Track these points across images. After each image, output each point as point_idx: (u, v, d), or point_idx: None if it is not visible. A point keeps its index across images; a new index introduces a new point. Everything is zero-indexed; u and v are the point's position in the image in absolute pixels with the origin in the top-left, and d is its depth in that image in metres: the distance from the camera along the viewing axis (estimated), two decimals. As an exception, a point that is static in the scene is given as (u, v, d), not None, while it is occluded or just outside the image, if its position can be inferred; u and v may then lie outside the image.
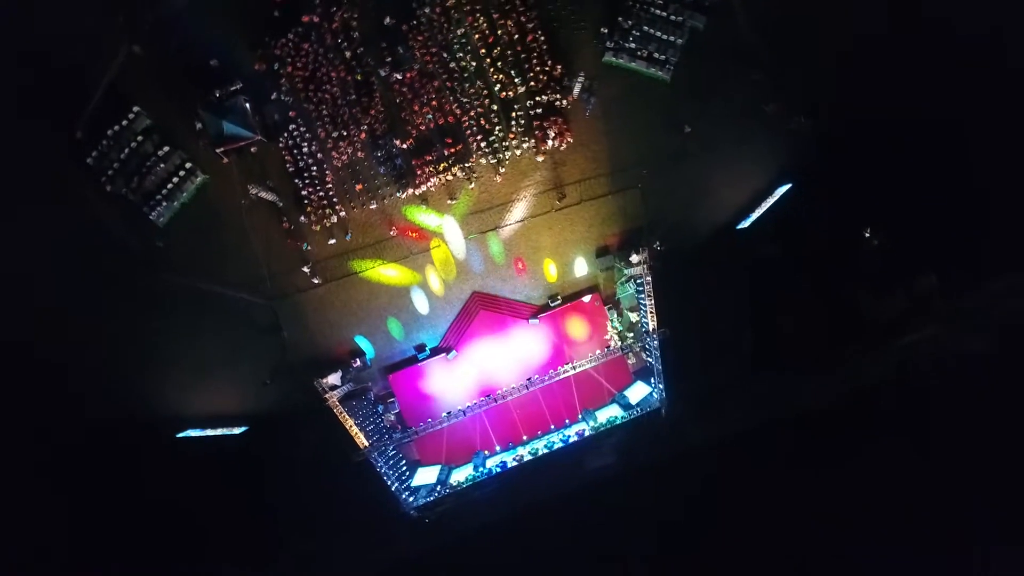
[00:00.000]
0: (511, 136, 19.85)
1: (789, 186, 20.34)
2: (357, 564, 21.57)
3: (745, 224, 21.11)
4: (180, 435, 19.88)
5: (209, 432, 20.59)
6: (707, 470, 21.03)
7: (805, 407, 22.19)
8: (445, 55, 19.34)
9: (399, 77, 19.39)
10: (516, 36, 19.26)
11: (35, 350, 19.59)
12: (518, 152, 20.04)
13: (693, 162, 20.43)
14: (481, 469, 20.95)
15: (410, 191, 20.00)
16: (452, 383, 21.27)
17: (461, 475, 21.31)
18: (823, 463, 22.30)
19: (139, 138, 19.11)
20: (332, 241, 20.06)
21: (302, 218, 19.83)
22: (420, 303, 20.96)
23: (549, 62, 19.37)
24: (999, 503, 20.79)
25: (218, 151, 19.05)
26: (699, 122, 20.18)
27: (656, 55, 19.65)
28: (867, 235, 21.63)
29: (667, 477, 21.07)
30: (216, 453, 20.43)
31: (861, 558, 21.22)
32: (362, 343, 21.03)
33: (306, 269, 19.99)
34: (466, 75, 19.52)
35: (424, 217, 20.46)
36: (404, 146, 19.73)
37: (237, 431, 21.14)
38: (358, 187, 19.75)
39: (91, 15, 18.48)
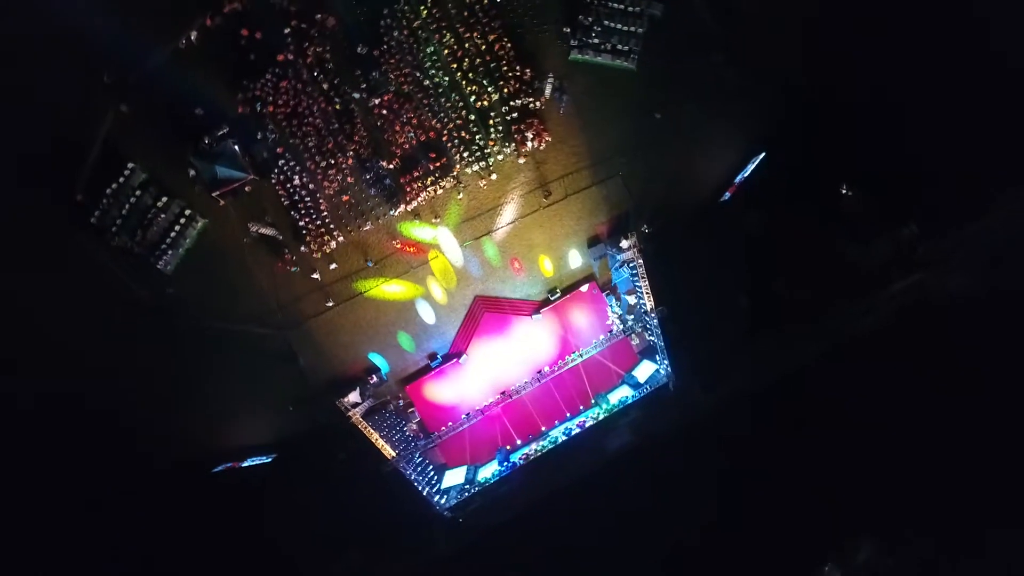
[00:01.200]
0: (491, 143, 20.61)
1: (763, 155, 21.13)
2: (400, 568, 22.48)
3: (726, 196, 21.93)
4: (216, 469, 20.71)
5: (243, 464, 21.46)
6: (719, 434, 21.95)
7: (804, 362, 23.04)
8: (418, 74, 20.10)
9: (377, 101, 20.14)
10: (483, 47, 20.00)
11: (64, 405, 20.39)
12: (500, 157, 20.82)
13: (668, 144, 21.19)
14: (505, 464, 21.86)
15: (402, 208, 20.79)
16: (467, 386, 22.13)
17: (487, 472, 22.21)
18: (827, 416, 23.19)
19: (137, 192, 19.88)
20: (333, 266, 20.88)
21: (303, 248, 20.61)
22: (426, 314, 21.78)
23: (518, 67, 20.12)
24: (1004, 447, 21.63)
25: (214, 195, 19.81)
26: (669, 106, 20.94)
27: (619, 47, 20.41)
28: (844, 191, 22.42)
29: (683, 446, 21.96)
30: (253, 481, 21.26)
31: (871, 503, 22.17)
32: (376, 359, 21.87)
33: (316, 275, 20.68)
34: (441, 90, 20.27)
35: (419, 231, 21.26)
36: (390, 166, 20.50)
37: (267, 459, 22.01)
38: (344, 198, 20.38)
39: (77, 81, 19.19)
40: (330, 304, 21.07)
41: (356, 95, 20.05)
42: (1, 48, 18.49)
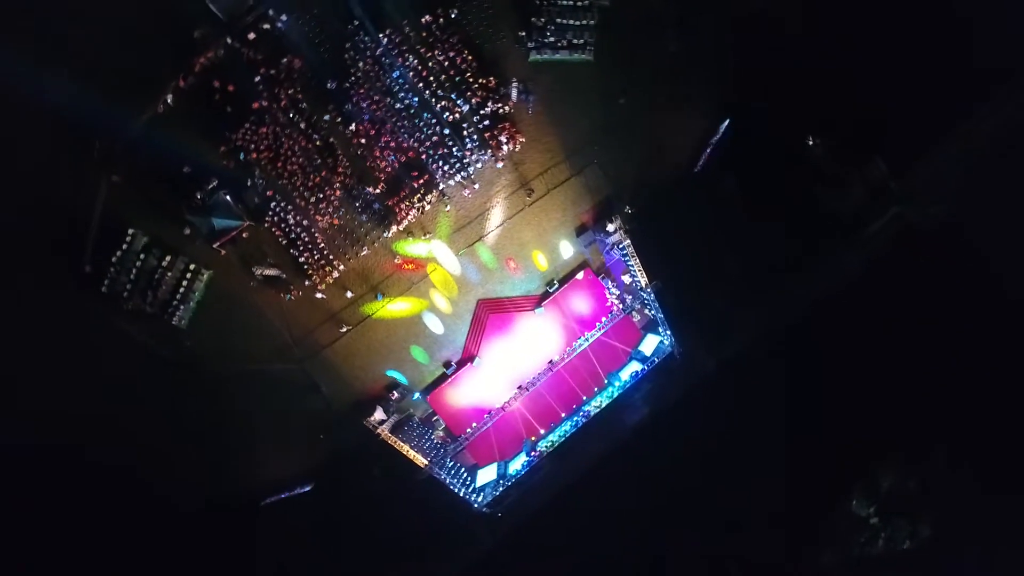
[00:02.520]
0: (468, 153, 21.43)
1: (727, 121, 22.00)
2: (450, 569, 23.52)
3: (699, 166, 22.82)
4: (265, 502, 21.67)
5: (284, 495, 22.44)
6: (729, 390, 23.00)
7: (800, 312, 24.00)
8: (388, 99, 20.88)
9: (354, 131, 20.96)
10: (446, 63, 20.79)
11: (103, 465, 21.23)
12: (479, 165, 21.64)
13: (637, 126, 22.07)
14: (533, 454, 22.86)
15: (394, 229, 21.64)
16: (484, 386, 23.10)
17: (516, 465, 23.22)
18: (833, 356, 24.18)
19: (142, 256, 20.67)
20: (350, 294, 21.85)
21: (307, 282, 21.48)
22: (434, 325, 22.69)
23: (482, 77, 20.90)
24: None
25: (215, 246, 20.62)
26: (632, 89, 21.82)
27: (575, 41, 21.18)
28: (810, 142, 23.28)
29: (698, 407, 23.02)
30: (298, 510, 22.24)
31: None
32: (394, 375, 22.80)
33: (320, 295, 21.65)
34: (412, 111, 21.08)
35: (414, 248, 22.13)
36: (377, 191, 21.33)
37: (308, 488, 22.98)
38: (335, 222, 21.21)
39: (67, 161, 19.98)
40: (344, 329, 21.93)
41: (333, 129, 20.82)
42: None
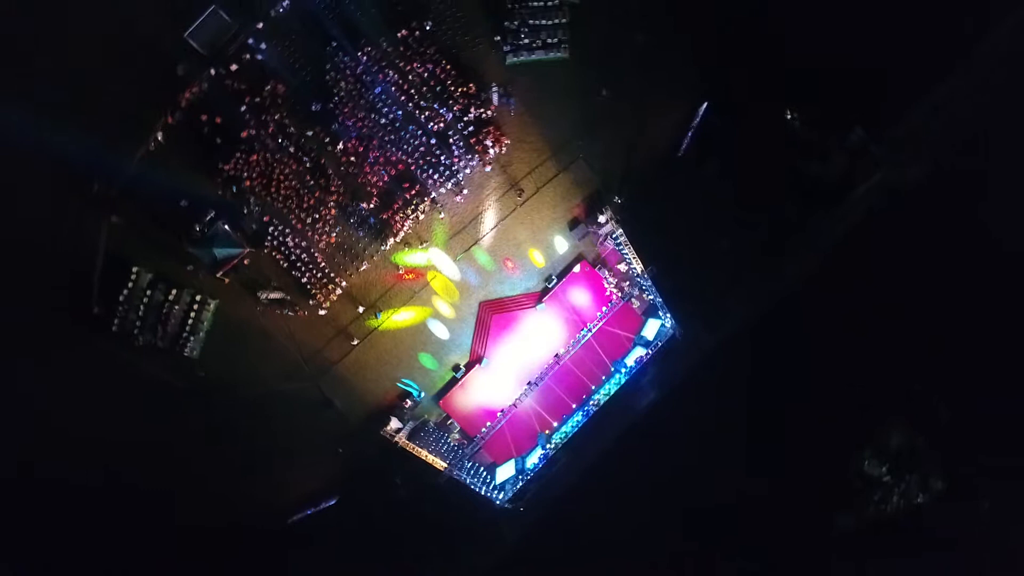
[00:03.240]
0: (456, 160, 21.89)
1: (705, 104, 22.48)
2: (477, 566, 24.06)
3: (683, 149, 23.29)
4: (292, 519, 22.15)
5: (310, 512, 22.93)
6: (731, 365, 23.55)
7: (794, 282, 24.52)
8: (373, 115, 21.32)
9: (342, 149, 21.39)
10: (425, 75, 21.24)
11: (132, 497, 21.67)
12: (468, 171, 22.09)
13: (618, 117, 22.54)
14: (548, 447, 23.36)
15: (391, 241, 22.11)
16: (494, 386, 23.58)
17: (533, 459, 23.71)
18: (832, 322, 24.67)
19: (148, 292, 21.09)
20: (361, 309, 22.34)
21: (311, 301, 21.92)
22: (439, 331, 23.16)
23: (462, 85, 21.37)
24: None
25: (218, 276, 21.06)
26: (609, 81, 22.28)
27: (549, 40, 21.66)
28: (789, 116, 23.76)
29: (703, 385, 23.58)
30: (324, 525, 22.73)
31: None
32: (405, 385, 23.26)
33: (323, 311, 22.06)
34: (398, 125, 21.52)
35: (412, 258, 22.59)
36: (371, 206, 21.79)
37: (332, 502, 23.46)
38: (332, 240, 21.63)
39: (63, 208, 20.39)
40: (353, 343, 22.38)
41: (322, 149, 21.27)
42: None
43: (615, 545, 23.52)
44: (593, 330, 23.11)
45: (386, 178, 21.73)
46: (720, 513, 23.46)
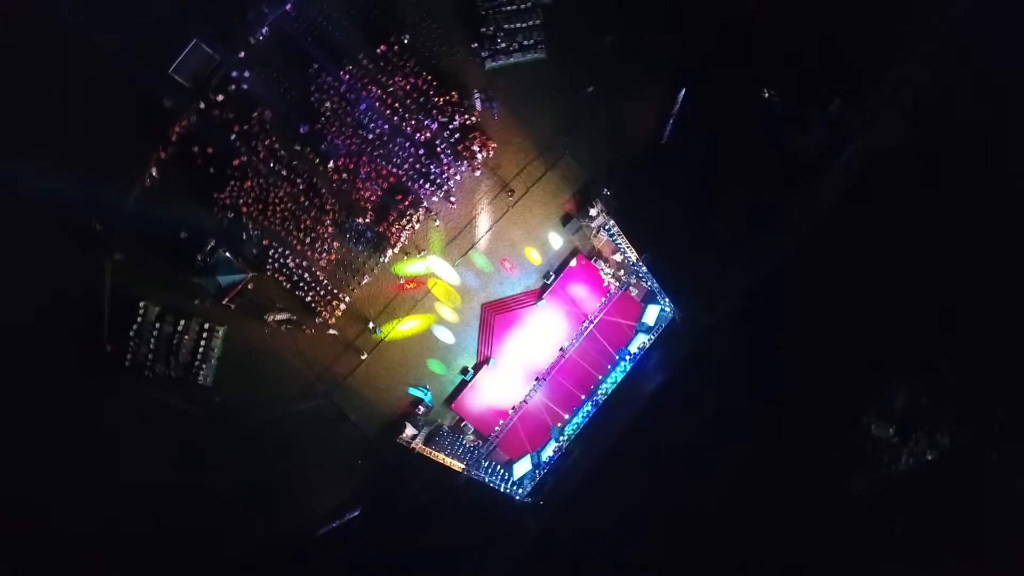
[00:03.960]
0: (445, 167, 22.33)
1: (683, 90, 22.95)
2: (506, 560, 24.58)
3: (665, 137, 23.76)
4: (320, 532, 22.63)
5: (336, 524, 23.42)
6: (732, 341, 24.08)
7: (788, 254, 25.02)
8: (361, 131, 21.75)
9: (334, 168, 21.82)
10: (407, 87, 21.67)
11: (161, 526, 22.08)
12: (458, 177, 22.53)
13: (599, 111, 23.00)
14: (562, 439, 23.83)
15: (390, 253, 22.55)
16: (503, 385, 24.06)
17: (548, 452, 24.15)
18: (828, 288, 25.13)
19: (157, 325, 21.55)
20: (372, 325, 22.80)
21: (317, 320, 22.37)
22: (445, 336, 23.62)
23: (445, 94, 21.81)
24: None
25: (224, 302, 21.49)
26: (588, 75, 22.74)
27: (525, 43, 22.09)
28: (766, 94, 24.24)
29: (707, 362, 24.10)
30: (351, 536, 23.23)
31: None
32: (416, 392, 23.72)
33: (334, 331, 22.51)
34: (385, 138, 21.95)
35: (412, 267, 23.03)
36: (367, 220, 22.22)
37: (356, 513, 23.95)
38: (332, 257, 22.09)
39: (66, 251, 20.81)
40: (364, 356, 22.87)
41: (313, 169, 21.70)
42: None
43: (636, 526, 24.04)
44: (594, 321, 23.54)
45: (379, 192, 22.16)
46: (734, 486, 24.02)
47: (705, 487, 23.90)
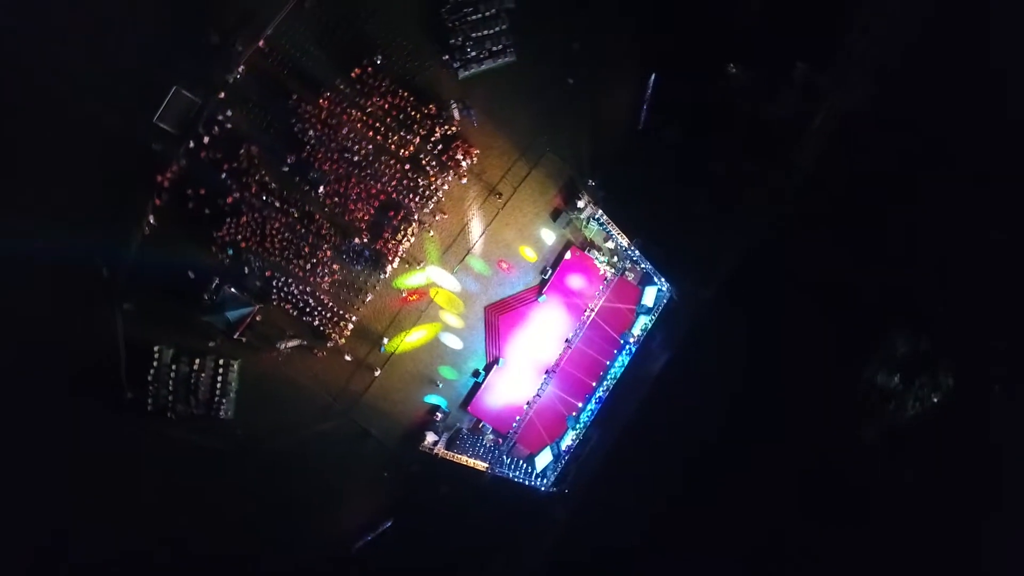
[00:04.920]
0: (432, 179, 22.90)
1: (653, 75, 23.56)
2: (540, 549, 25.29)
3: (642, 122, 24.39)
4: (356, 546, 23.28)
5: (370, 537, 24.07)
6: (730, 311, 24.80)
7: (780, 216, 25.69)
8: (346, 155, 22.28)
9: (324, 193, 22.37)
10: (386, 107, 22.21)
11: (201, 555, 22.73)
12: (445, 187, 23.10)
13: (574, 105, 23.63)
14: (578, 427, 24.52)
15: (389, 268, 23.13)
16: (515, 382, 24.72)
17: (567, 442, 24.87)
18: (816, 251, 25.82)
19: (173, 367, 22.05)
20: (386, 339, 23.42)
21: (328, 342, 22.95)
22: (453, 342, 24.24)
23: (423, 108, 22.36)
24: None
25: (235, 337, 22.04)
26: (560, 73, 23.36)
27: (494, 48, 22.66)
28: (732, 69, 24.83)
29: (708, 335, 24.84)
30: (386, 547, 23.88)
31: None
32: (432, 399, 24.36)
33: (348, 356, 23.17)
34: (371, 159, 22.48)
35: (412, 280, 23.63)
36: (363, 240, 22.79)
37: (388, 524, 24.59)
38: (335, 279, 22.67)
39: (75, 307, 21.31)
40: (377, 372, 23.50)
41: (305, 196, 22.25)
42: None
43: (659, 501, 24.78)
44: (595, 309, 24.21)
45: (371, 211, 22.72)
46: (749, 447, 24.75)
47: (721, 452, 24.66)
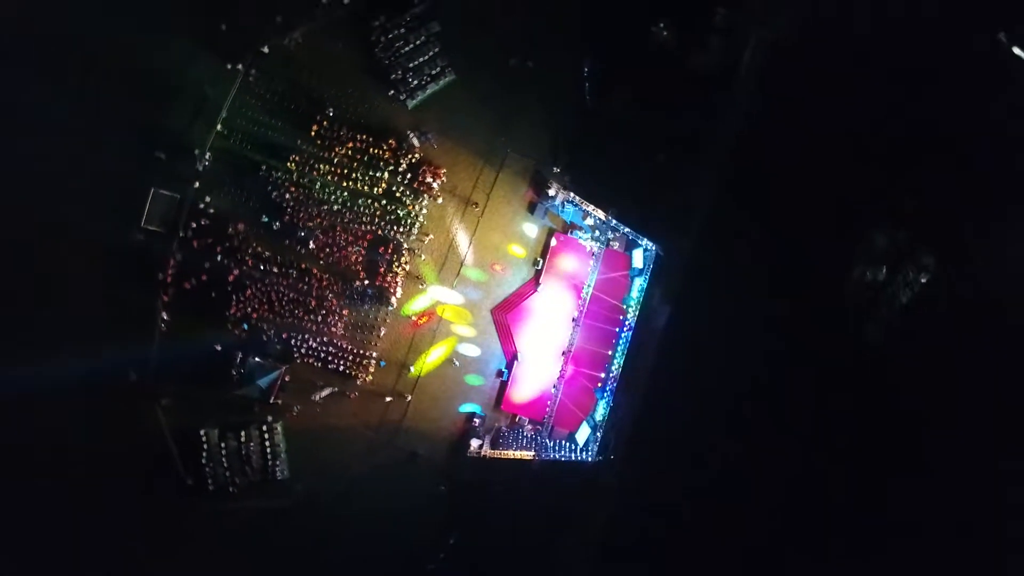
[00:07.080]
0: (410, 207, 24.13)
1: (587, 60, 24.85)
2: (600, 516, 26.82)
3: (588, 101, 25.69)
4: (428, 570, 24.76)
5: (441, 555, 25.49)
6: (714, 251, 26.28)
7: (734, 161, 27.08)
8: (324, 207, 23.44)
9: (315, 247, 23.58)
10: (349, 152, 23.38)
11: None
12: (424, 211, 24.34)
13: (522, 100, 24.89)
14: (607, 395, 25.99)
15: (394, 300, 24.40)
16: (537, 371, 26.17)
17: (600, 413, 26.36)
18: (781, 175, 27.13)
19: (222, 445, 23.24)
20: (410, 365, 24.69)
21: (359, 383, 24.22)
22: (471, 351, 25.61)
23: (383, 144, 23.57)
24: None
25: (271, 401, 23.28)
26: (498, 75, 24.61)
27: (434, 72, 23.86)
28: (655, 28, 26.10)
29: (700, 279, 26.31)
30: (459, 556, 25.31)
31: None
32: (467, 408, 25.73)
33: (387, 398, 24.43)
34: (348, 204, 23.66)
35: (417, 304, 24.91)
36: (363, 280, 24.03)
37: (456, 535, 25.99)
38: (348, 322, 23.91)
39: (116, 416, 22.38)
40: (408, 397, 24.82)
41: (298, 255, 23.46)
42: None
43: (695, 443, 26.26)
44: (592, 284, 25.64)
45: (363, 252, 23.95)
46: (768, 371, 26.18)
47: (742, 382, 26.11)
